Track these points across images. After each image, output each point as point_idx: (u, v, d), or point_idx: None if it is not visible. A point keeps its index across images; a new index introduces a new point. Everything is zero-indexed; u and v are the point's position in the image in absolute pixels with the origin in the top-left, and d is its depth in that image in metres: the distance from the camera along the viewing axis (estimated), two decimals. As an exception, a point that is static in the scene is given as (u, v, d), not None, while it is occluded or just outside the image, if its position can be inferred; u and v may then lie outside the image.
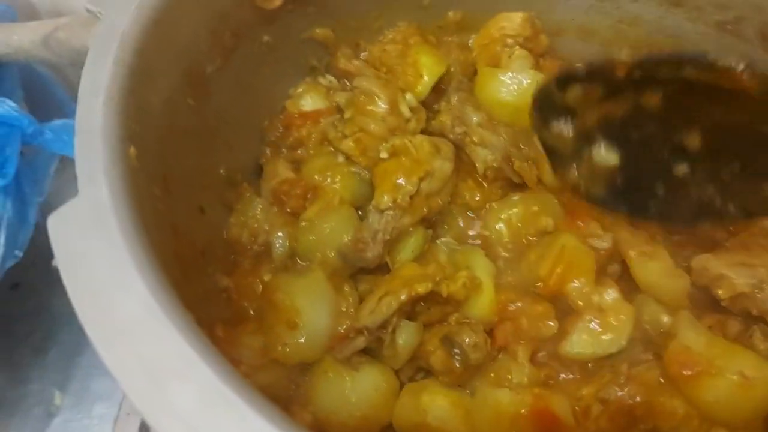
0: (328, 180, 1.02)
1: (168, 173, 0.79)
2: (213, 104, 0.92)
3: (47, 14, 1.37)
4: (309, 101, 1.09)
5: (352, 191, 1.02)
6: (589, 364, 0.94)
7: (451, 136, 1.05)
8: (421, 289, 0.89)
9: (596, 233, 0.99)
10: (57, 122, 1.00)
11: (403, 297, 0.88)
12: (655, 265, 0.96)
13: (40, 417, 1.12)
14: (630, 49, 0.90)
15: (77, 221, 0.54)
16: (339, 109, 1.08)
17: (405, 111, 1.04)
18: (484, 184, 1.07)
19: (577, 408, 0.91)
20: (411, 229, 0.97)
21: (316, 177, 1.02)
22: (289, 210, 1.01)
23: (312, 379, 0.92)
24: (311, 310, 0.91)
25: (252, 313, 0.96)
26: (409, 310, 0.92)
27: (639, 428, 0.89)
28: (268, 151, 1.09)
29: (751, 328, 0.94)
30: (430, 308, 0.94)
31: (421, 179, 0.96)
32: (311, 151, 1.07)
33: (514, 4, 1.14)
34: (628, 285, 0.98)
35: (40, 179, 1.07)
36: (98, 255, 0.52)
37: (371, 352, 0.92)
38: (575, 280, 0.94)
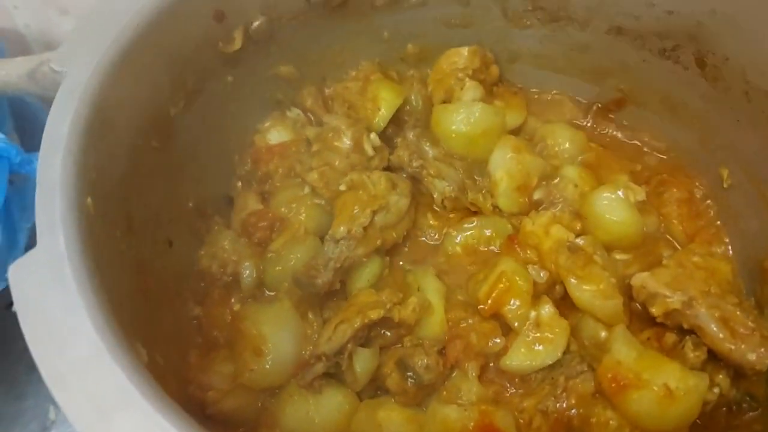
0: (294, 212, 1.09)
1: (131, 212, 0.86)
2: (179, 143, 0.99)
3: (35, 43, 1.45)
4: (276, 134, 1.17)
5: (317, 222, 1.09)
6: (532, 377, 1.00)
7: (409, 169, 1.12)
8: (374, 315, 0.96)
9: (533, 260, 1.06)
10: None
11: (356, 324, 0.95)
12: (589, 287, 1.02)
13: (35, 431, 1.19)
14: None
15: (35, 270, 0.62)
16: (307, 142, 1.15)
17: (368, 149, 1.11)
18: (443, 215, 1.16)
19: (521, 421, 0.98)
20: (365, 259, 1.04)
21: (283, 209, 1.10)
22: (256, 241, 1.08)
23: (278, 402, 0.99)
24: (277, 337, 0.98)
25: (222, 341, 1.03)
26: (366, 335, 0.98)
27: (576, 438, 0.96)
28: (239, 185, 1.16)
29: (684, 339, 1.01)
30: (385, 332, 1.01)
31: (374, 212, 1.03)
32: (278, 184, 1.14)
33: (469, 36, 1.22)
34: (571, 303, 1.05)
35: (29, 205, 1.10)
36: (52, 301, 0.60)
37: (335, 376, 0.98)
38: (511, 302, 1.01)
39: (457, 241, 1.13)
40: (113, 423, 0.54)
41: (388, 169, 1.13)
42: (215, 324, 1.04)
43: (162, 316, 0.94)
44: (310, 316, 1.03)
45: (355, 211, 1.03)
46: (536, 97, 1.29)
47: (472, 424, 0.94)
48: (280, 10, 1.05)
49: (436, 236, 1.16)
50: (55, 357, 0.57)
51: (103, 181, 0.77)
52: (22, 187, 1.11)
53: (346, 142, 1.11)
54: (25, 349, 1.20)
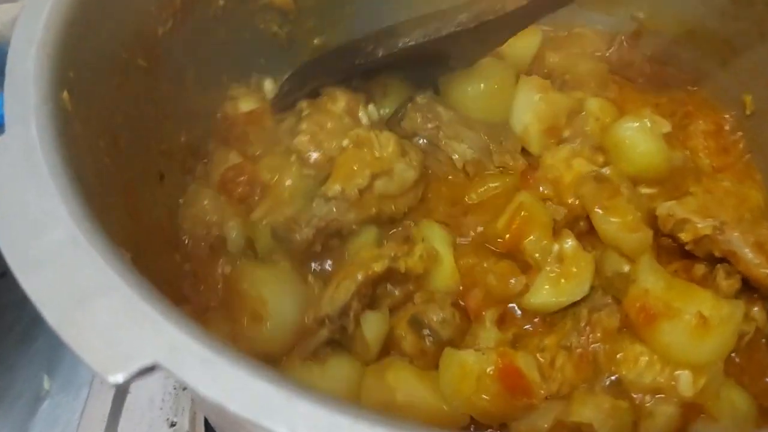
0: (278, 178, 0.99)
1: (116, 130, 0.79)
2: (167, 68, 0.92)
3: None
4: (246, 104, 1.08)
5: (302, 191, 0.99)
6: (551, 315, 0.94)
7: (423, 133, 1.04)
8: (378, 267, 0.88)
9: (549, 197, 1.00)
10: None
11: (359, 277, 0.87)
12: (615, 219, 0.95)
13: (29, 401, 1.14)
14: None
15: (3, 156, 0.54)
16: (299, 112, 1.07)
17: (363, 118, 1.04)
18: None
19: (541, 359, 0.90)
20: (355, 226, 0.96)
21: (267, 174, 1.00)
22: (237, 197, 0.99)
23: (280, 371, 0.89)
24: (277, 300, 0.89)
25: (216, 303, 0.94)
26: (371, 294, 0.90)
27: (603, 376, 0.89)
28: (211, 144, 1.06)
29: (715, 268, 0.94)
30: (392, 289, 0.92)
31: (375, 175, 0.94)
32: (258, 152, 1.05)
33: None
34: (595, 239, 0.98)
35: None
36: (22, 186, 0.53)
37: (341, 344, 0.90)
38: (532, 235, 0.94)
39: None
40: (91, 310, 0.47)
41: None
42: (207, 284, 0.95)
43: (153, 252, 0.87)
44: (311, 279, 0.94)
45: (354, 170, 0.95)
46: (553, 34, 1.22)
47: (490, 367, 0.86)
48: None
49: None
50: (24, 243, 0.50)
51: (83, 83, 0.70)
52: None
53: (339, 105, 1.03)
54: (16, 321, 1.18)
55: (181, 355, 0.46)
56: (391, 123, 1.07)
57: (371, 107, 1.06)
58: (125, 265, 0.50)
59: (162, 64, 0.91)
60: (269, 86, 1.12)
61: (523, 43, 1.17)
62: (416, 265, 0.90)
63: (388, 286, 0.92)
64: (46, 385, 1.15)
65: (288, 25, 1.11)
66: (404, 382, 0.87)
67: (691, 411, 0.86)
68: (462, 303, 0.94)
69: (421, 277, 0.93)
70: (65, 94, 0.64)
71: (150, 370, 0.46)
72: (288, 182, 0.98)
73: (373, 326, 0.90)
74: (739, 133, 1.08)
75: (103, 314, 0.46)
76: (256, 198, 0.99)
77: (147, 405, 1.07)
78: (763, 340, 0.94)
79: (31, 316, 1.15)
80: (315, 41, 1.16)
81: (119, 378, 0.45)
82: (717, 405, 0.86)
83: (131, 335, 0.46)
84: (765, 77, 1.02)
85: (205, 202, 0.98)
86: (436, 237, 0.97)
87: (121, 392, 1.06)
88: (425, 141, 1.06)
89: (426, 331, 0.90)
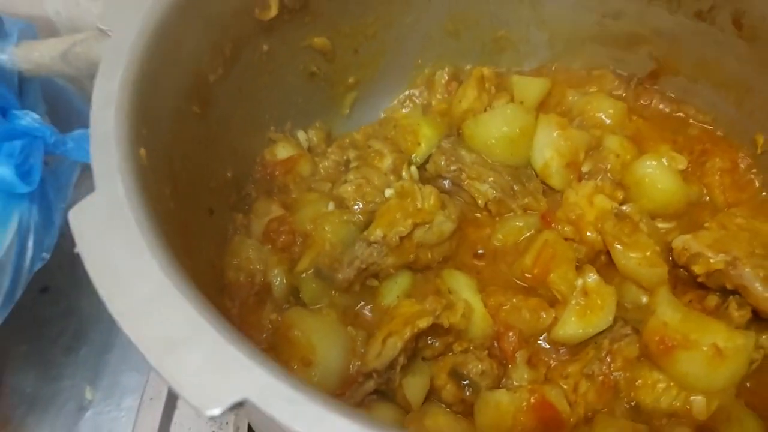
0: (318, 228, 1.05)
1: (176, 175, 0.85)
2: (216, 111, 0.99)
3: (65, 29, 1.44)
4: (283, 150, 1.15)
5: (342, 238, 1.05)
6: (575, 345, 1.00)
7: (446, 174, 1.11)
8: (423, 324, 0.92)
9: (569, 236, 1.05)
10: (77, 132, 1.06)
11: (407, 335, 0.91)
12: (635, 255, 1.02)
13: (72, 411, 1.19)
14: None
15: (95, 213, 0.61)
16: (346, 163, 1.15)
17: (405, 176, 1.11)
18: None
19: (565, 387, 0.96)
20: (393, 270, 1.02)
21: (308, 226, 1.06)
22: (280, 246, 1.05)
23: None
24: (325, 348, 0.94)
25: (265, 345, 0.99)
26: (413, 347, 0.95)
27: (623, 401, 0.95)
28: (254, 192, 1.13)
29: (727, 299, 1.00)
30: (433, 341, 0.97)
31: (416, 225, 1.00)
32: (294, 196, 1.12)
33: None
34: (613, 272, 1.05)
35: (63, 186, 1.12)
36: (115, 242, 0.59)
37: (386, 394, 0.95)
38: (558, 270, 1.01)
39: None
40: (184, 354, 0.53)
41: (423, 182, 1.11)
42: (254, 329, 1.00)
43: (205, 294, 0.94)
44: (351, 330, 0.99)
45: (396, 218, 1.01)
46: (570, 72, 1.29)
47: (524, 404, 0.92)
48: (316, -24, 1.05)
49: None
50: (122, 295, 0.56)
51: (152, 137, 0.76)
52: (56, 167, 1.12)
53: (386, 163, 1.11)
54: (61, 332, 1.26)
55: (268, 393, 0.53)
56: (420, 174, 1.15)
57: (413, 169, 1.13)
58: (213, 312, 0.57)
59: (212, 109, 0.97)
60: (303, 137, 1.20)
61: (533, 82, 1.26)
62: (459, 322, 0.95)
63: (429, 339, 0.97)
64: (88, 395, 1.20)
65: (325, 65, 1.18)
66: (442, 428, 0.93)
67: (705, 434, 0.92)
68: (496, 345, 1.00)
69: (464, 330, 0.98)
70: (142, 151, 0.71)
71: (240, 405, 0.52)
72: (329, 230, 1.04)
73: (414, 388, 0.95)
74: (754, 170, 1.14)
75: (198, 356, 0.53)
76: (297, 247, 1.05)
77: (194, 419, 1.14)
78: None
79: (74, 329, 1.25)
80: (350, 80, 1.23)
81: (216, 412, 0.52)
82: (728, 427, 0.92)
83: (224, 375, 0.53)
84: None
85: (250, 252, 1.04)
86: (462, 286, 1.02)
87: (170, 407, 1.13)
88: (449, 182, 1.13)
89: (465, 382, 0.95)
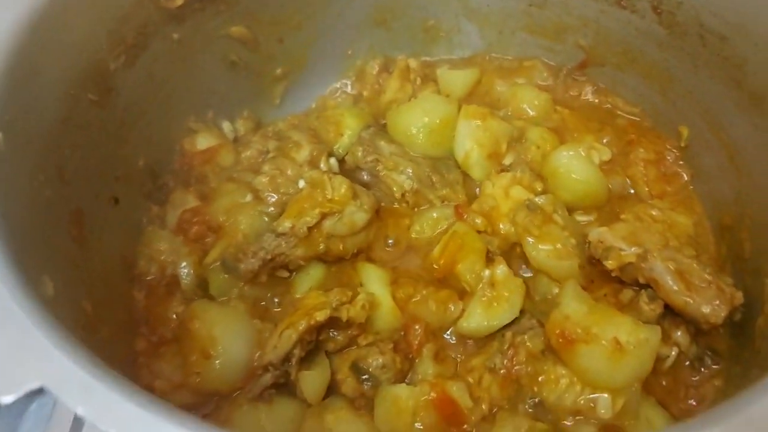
0: (232, 220, 1.04)
1: (63, 162, 0.85)
2: (122, 99, 0.98)
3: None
4: (203, 140, 1.14)
5: (256, 231, 1.04)
6: (483, 338, 0.98)
7: (363, 166, 1.10)
8: (320, 317, 0.91)
9: (481, 228, 1.04)
10: None
11: (302, 327, 0.90)
12: (545, 247, 1.00)
13: None
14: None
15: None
16: (264, 153, 1.14)
17: (324, 167, 1.10)
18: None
19: (470, 380, 0.94)
20: (303, 262, 1.01)
21: (221, 217, 1.05)
22: (192, 237, 1.04)
23: (228, 411, 0.93)
24: (228, 340, 0.93)
25: (170, 336, 0.99)
26: (314, 340, 0.94)
27: (527, 397, 0.93)
28: (171, 183, 1.12)
29: (639, 293, 0.98)
30: (335, 335, 0.96)
31: (324, 215, 0.99)
32: (213, 185, 1.11)
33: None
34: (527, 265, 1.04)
35: None
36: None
37: (286, 386, 0.93)
38: (465, 260, 0.99)
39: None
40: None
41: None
42: (161, 321, 1.00)
43: (108, 282, 0.93)
44: (257, 323, 0.98)
45: (305, 208, 1.00)
46: (503, 62, 1.27)
47: (424, 399, 0.91)
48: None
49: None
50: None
51: (22, 122, 0.76)
52: None
53: (303, 154, 1.10)
54: None
55: (66, 380, 0.52)
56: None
57: (333, 160, 1.12)
58: (30, 295, 0.56)
59: (116, 96, 0.97)
60: (228, 128, 1.19)
61: (460, 74, 1.24)
62: (358, 314, 0.94)
63: (331, 332, 0.96)
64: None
65: (247, 54, 1.16)
66: (342, 423, 0.92)
67: (611, 432, 0.90)
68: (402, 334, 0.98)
69: (364, 324, 0.96)
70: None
71: (38, 392, 0.52)
72: (243, 221, 1.04)
73: (311, 383, 0.94)
74: (681, 163, 1.11)
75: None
76: (210, 239, 1.04)
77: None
78: (687, 363, 0.97)
79: None
80: (278, 71, 1.22)
81: (8, 399, 0.51)
82: (635, 425, 0.90)
83: (22, 361, 0.52)
84: (698, 109, 1.05)
85: (161, 243, 1.03)
86: (373, 277, 1.01)
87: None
88: (367, 174, 1.11)
89: (365, 376, 0.94)
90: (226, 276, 1.01)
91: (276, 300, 1.02)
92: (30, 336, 0.54)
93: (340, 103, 1.27)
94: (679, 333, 0.96)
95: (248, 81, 1.19)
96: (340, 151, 1.15)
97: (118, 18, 0.94)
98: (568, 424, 0.91)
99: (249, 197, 1.08)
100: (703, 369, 0.96)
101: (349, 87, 1.29)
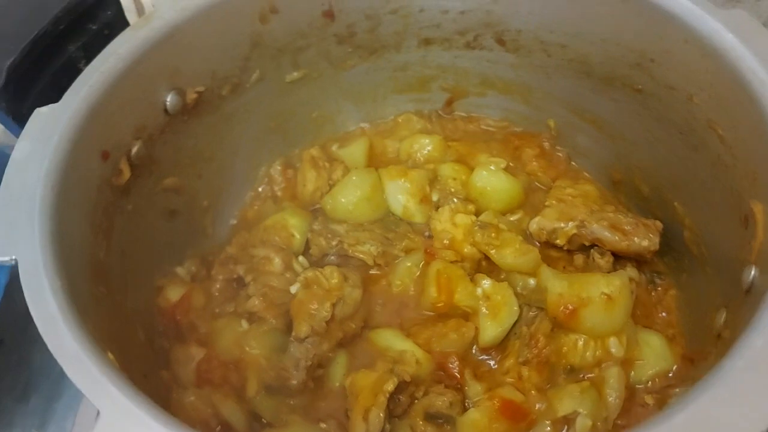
0: (245, 351, 1.11)
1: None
2: (114, 283, 1.02)
3: None
4: (174, 292, 1.18)
5: (272, 348, 1.11)
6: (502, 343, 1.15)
7: (331, 251, 1.21)
8: (391, 386, 1.01)
9: (452, 258, 1.21)
10: None
11: (383, 402, 0.99)
12: (508, 251, 1.19)
13: None
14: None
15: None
16: (237, 280, 1.20)
17: (298, 269, 1.19)
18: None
19: (510, 380, 1.11)
20: (330, 354, 1.10)
21: (235, 353, 1.11)
22: (219, 382, 1.08)
23: None
24: None
25: None
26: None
27: (560, 371, 1.11)
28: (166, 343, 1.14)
29: (590, 253, 1.21)
30: (398, 398, 1.05)
31: (333, 305, 1.09)
32: (203, 330, 1.16)
33: (313, 93, 1.36)
34: (497, 270, 1.22)
35: None
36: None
37: None
38: (458, 289, 1.16)
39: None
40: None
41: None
42: None
43: None
44: (323, 426, 1.05)
45: (314, 308, 1.09)
46: (380, 124, 1.45)
47: (491, 411, 1.04)
48: (149, 129, 1.09)
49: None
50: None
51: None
52: None
53: (278, 264, 1.18)
54: (14, 383, 1.31)
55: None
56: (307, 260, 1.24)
57: (301, 258, 1.22)
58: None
59: (111, 282, 1.00)
60: (182, 272, 1.23)
61: (354, 147, 1.40)
62: (417, 370, 1.05)
63: (397, 398, 1.05)
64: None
65: (179, 199, 1.22)
66: None
67: (627, 364, 1.11)
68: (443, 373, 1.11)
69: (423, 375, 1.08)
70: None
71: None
72: (256, 347, 1.10)
73: None
74: (558, 147, 1.38)
75: None
76: (233, 375, 1.09)
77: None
78: (644, 287, 1.22)
79: (25, 380, 1.33)
80: (204, 203, 1.30)
81: None
82: (639, 350, 1.12)
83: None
84: (560, 103, 1.32)
85: (192, 402, 1.04)
86: (392, 339, 1.13)
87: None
88: (335, 257, 1.23)
89: (440, 420, 1.05)
90: (272, 400, 1.08)
91: (321, 397, 1.11)
92: None
93: (263, 210, 1.36)
94: (628, 268, 1.20)
95: (185, 223, 1.25)
96: (298, 249, 1.25)
97: (89, 218, 0.97)
98: (598, 374, 1.11)
99: (245, 324, 1.15)
100: (658, 288, 1.22)
101: (263, 193, 1.39)
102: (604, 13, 1.12)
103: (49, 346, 0.74)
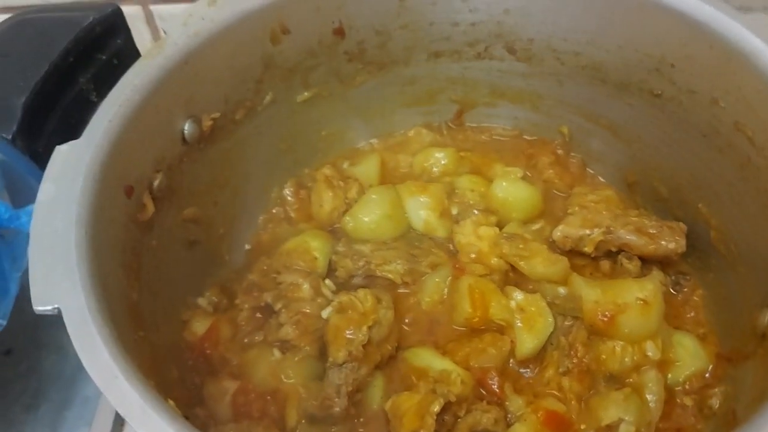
0: (282, 380, 1.08)
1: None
2: (146, 323, 0.98)
3: None
4: (199, 325, 1.15)
5: (309, 376, 1.09)
6: (539, 355, 1.13)
7: (359, 272, 1.19)
8: (437, 407, 0.99)
9: (481, 272, 1.19)
10: (31, 207, 0.99)
11: (432, 424, 0.97)
12: (537, 261, 1.18)
13: None
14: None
15: None
16: (264, 308, 1.17)
17: (327, 293, 1.16)
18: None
19: (550, 391, 1.10)
20: (369, 378, 1.08)
21: (271, 383, 1.08)
22: (258, 416, 1.06)
23: None
24: None
25: None
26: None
27: (600, 379, 1.11)
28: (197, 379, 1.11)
29: (617, 258, 1.21)
30: (442, 418, 1.03)
31: (370, 328, 1.07)
32: (235, 362, 1.13)
33: (324, 112, 1.33)
34: (526, 280, 1.20)
35: (18, 256, 1.13)
36: None
37: None
38: (492, 303, 1.14)
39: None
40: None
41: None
42: None
43: None
44: None
45: (349, 332, 1.06)
46: (390, 139, 1.43)
47: (537, 424, 1.04)
48: (168, 159, 1.06)
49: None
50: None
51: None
52: (11, 239, 1.13)
53: (307, 290, 1.15)
54: (23, 391, 1.30)
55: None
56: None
57: (328, 282, 1.19)
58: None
59: (145, 325, 0.96)
60: (204, 303, 1.19)
61: (367, 164, 1.38)
62: (462, 390, 1.04)
63: (442, 419, 1.03)
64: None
65: (198, 228, 1.19)
66: None
67: (664, 366, 1.12)
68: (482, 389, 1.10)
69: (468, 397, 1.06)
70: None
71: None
72: (293, 376, 1.08)
73: None
74: (572, 153, 1.38)
75: None
76: (272, 406, 1.07)
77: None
78: (670, 289, 1.23)
79: (35, 388, 1.32)
80: (221, 231, 1.26)
81: None
82: (676, 351, 1.13)
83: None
84: (572, 110, 1.31)
85: None
86: (429, 359, 1.11)
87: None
88: (361, 278, 1.21)
89: None
90: (314, 428, 1.05)
91: (361, 422, 1.08)
92: None
93: (277, 233, 1.33)
94: (654, 272, 1.21)
95: (203, 252, 1.21)
96: (323, 272, 1.22)
97: (120, 251, 0.94)
98: (637, 378, 1.12)
99: (277, 353, 1.12)
100: (684, 289, 1.23)
101: (276, 216, 1.36)
102: (621, 21, 1.12)
103: (111, 401, 0.71)
